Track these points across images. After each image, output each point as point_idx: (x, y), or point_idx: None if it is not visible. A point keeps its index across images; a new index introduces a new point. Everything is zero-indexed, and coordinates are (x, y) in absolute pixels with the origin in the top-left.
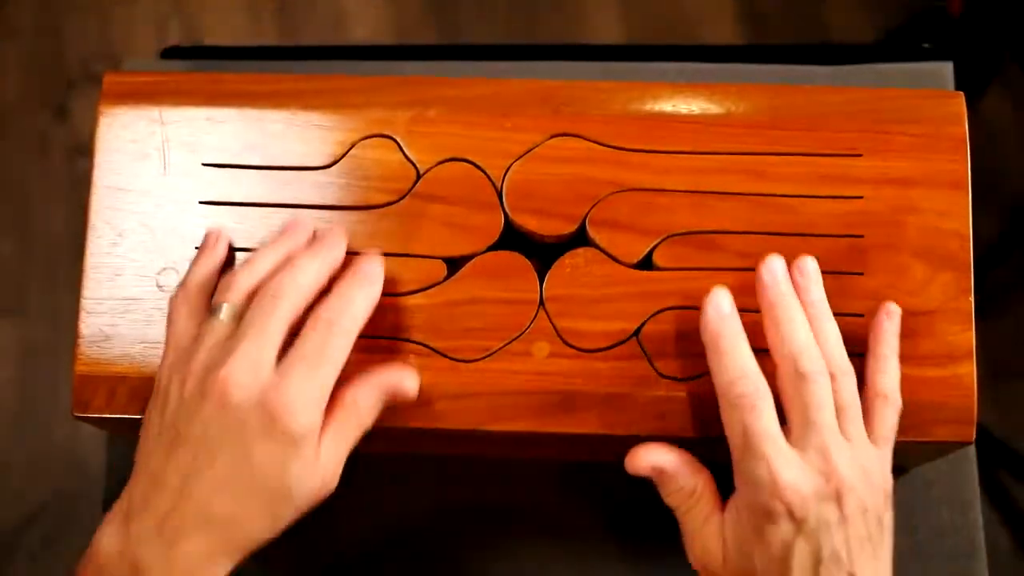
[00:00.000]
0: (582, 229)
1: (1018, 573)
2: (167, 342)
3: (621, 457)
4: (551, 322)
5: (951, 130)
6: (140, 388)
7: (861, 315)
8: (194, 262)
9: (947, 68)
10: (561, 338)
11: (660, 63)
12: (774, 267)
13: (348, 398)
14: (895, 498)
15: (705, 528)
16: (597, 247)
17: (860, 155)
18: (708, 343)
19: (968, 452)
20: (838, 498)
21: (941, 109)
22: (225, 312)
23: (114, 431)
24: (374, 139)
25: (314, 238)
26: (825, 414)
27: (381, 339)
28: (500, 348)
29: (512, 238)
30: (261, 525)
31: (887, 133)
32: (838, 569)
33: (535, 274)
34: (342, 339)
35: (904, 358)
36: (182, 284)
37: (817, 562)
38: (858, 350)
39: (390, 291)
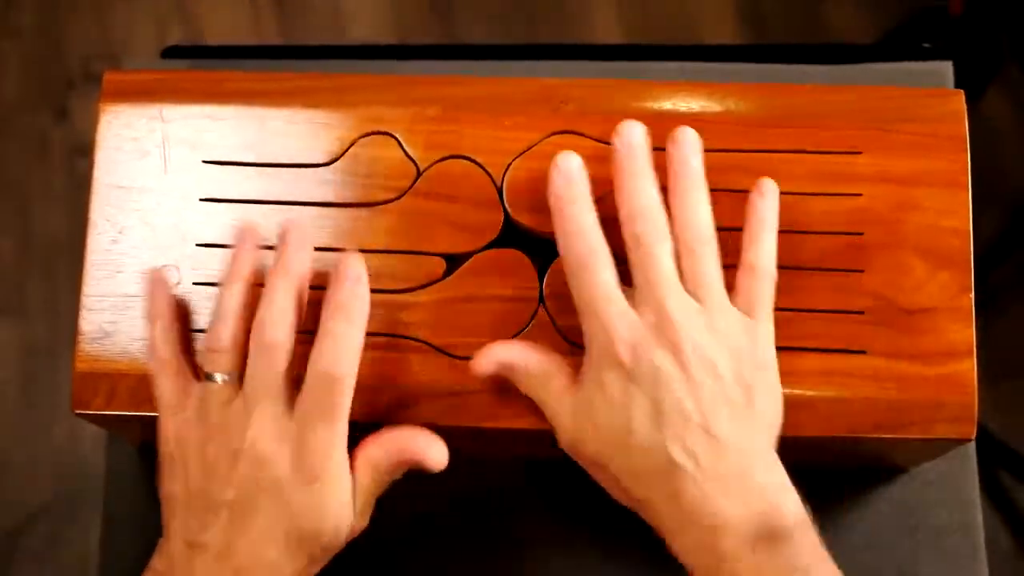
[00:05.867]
0: None
1: (1018, 573)
2: (160, 411)
3: None
4: (551, 319)
5: (951, 128)
6: (140, 385)
7: (861, 312)
8: (152, 334)
9: (947, 68)
10: (561, 335)
11: (660, 63)
12: (626, 133)
13: (368, 461)
14: (894, 497)
15: (562, 404)
16: None
17: (860, 153)
18: (553, 207)
19: (968, 452)
20: (674, 350)
21: (941, 108)
22: (220, 375)
23: (114, 429)
24: (374, 136)
25: (281, 238)
26: (660, 273)
27: (381, 336)
28: None
29: (512, 235)
30: (301, 565)
31: (887, 131)
32: (683, 421)
33: (535, 271)
34: (346, 386)
35: (904, 356)
36: (153, 353)
37: (658, 412)
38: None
39: (390, 288)
